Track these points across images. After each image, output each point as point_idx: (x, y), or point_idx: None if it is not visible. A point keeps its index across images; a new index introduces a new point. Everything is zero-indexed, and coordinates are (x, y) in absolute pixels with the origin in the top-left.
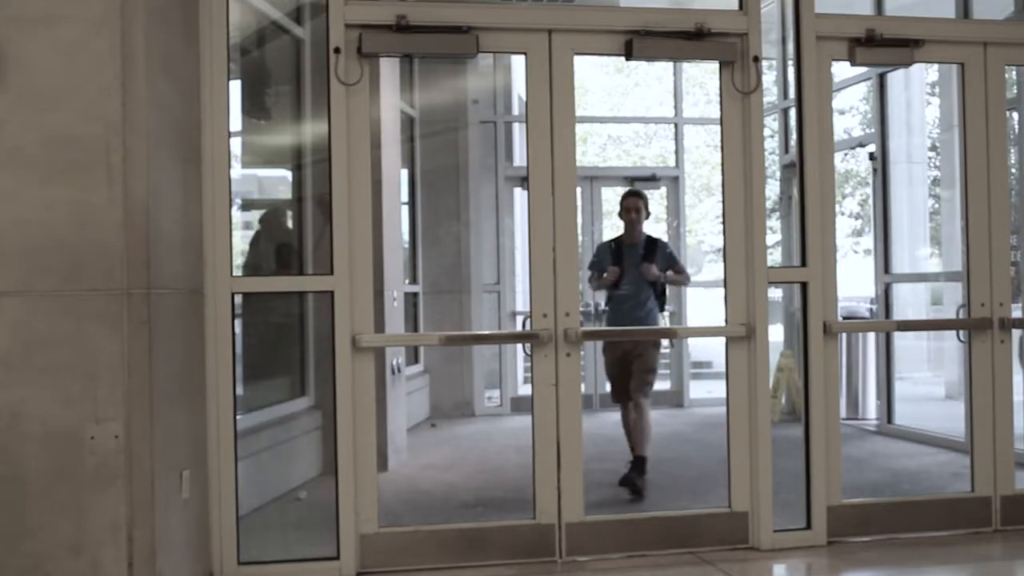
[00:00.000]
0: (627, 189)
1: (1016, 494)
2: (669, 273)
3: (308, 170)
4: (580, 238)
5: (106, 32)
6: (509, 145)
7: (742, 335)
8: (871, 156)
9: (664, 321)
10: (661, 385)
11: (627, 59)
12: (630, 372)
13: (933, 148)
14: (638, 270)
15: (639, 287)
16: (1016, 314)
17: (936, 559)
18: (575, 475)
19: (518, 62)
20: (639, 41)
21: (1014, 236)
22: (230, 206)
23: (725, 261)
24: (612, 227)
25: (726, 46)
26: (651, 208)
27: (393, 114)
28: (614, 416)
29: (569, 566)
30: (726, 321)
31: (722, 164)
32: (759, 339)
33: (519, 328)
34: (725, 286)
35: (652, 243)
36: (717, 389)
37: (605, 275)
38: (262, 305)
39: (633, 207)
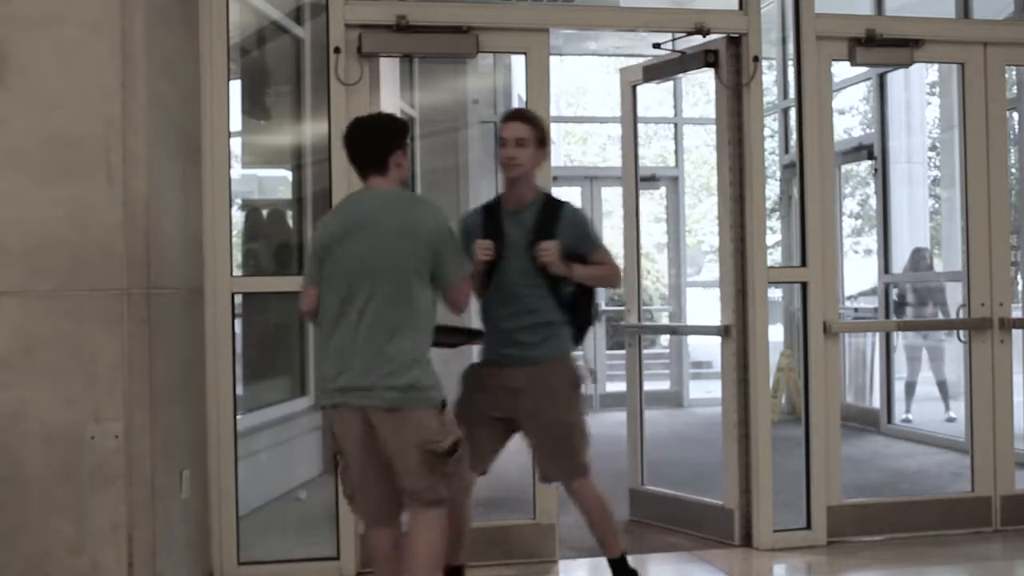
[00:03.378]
0: (508, 111)
1: (1016, 494)
2: (577, 267)
3: (308, 170)
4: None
5: (106, 32)
6: None
7: (730, 334)
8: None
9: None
10: (661, 385)
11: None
12: (523, 427)
13: (933, 148)
14: (525, 254)
15: (526, 285)
16: (1016, 314)
17: (936, 559)
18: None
19: (518, 62)
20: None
21: (1014, 236)
22: (230, 206)
23: (720, 260)
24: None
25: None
26: (547, 142)
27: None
28: (614, 416)
29: (567, 566)
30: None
31: (717, 163)
32: (758, 339)
33: None
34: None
35: (552, 208)
36: (716, 389)
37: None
38: (262, 305)
39: (512, 138)
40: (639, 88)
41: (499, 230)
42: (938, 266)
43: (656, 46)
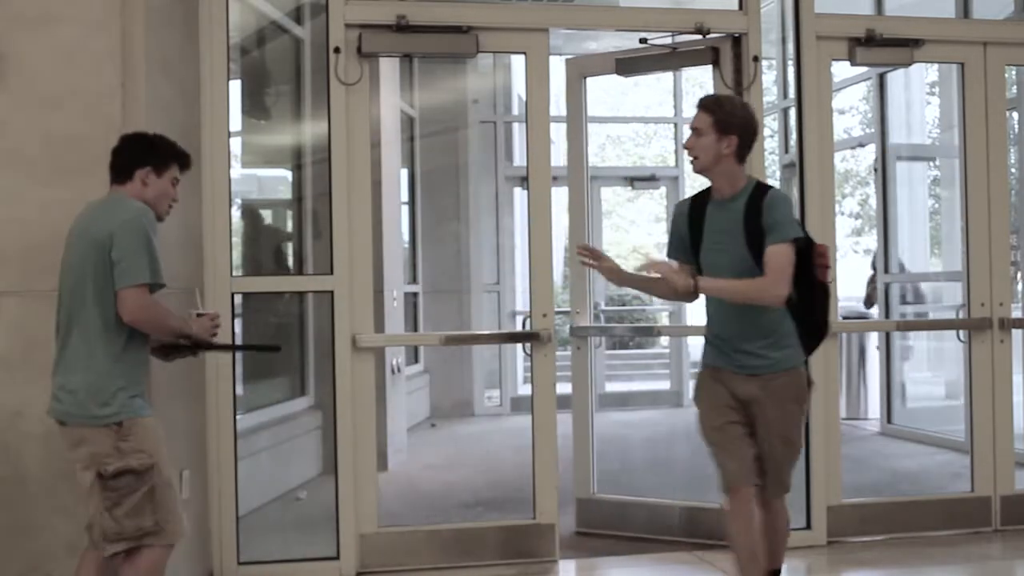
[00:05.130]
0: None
1: (1016, 494)
2: (705, 281)
3: (308, 170)
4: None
5: (106, 32)
6: (509, 145)
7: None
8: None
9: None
10: (661, 385)
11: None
12: (754, 436)
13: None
14: (736, 250)
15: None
16: (1016, 314)
17: (936, 559)
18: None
19: (518, 62)
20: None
21: (1014, 236)
22: (230, 206)
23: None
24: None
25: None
26: (732, 126)
27: (393, 114)
28: (613, 416)
29: (567, 566)
30: None
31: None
32: None
33: (519, 328)
34: None
35: (758, 194)
36: None
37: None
38: (262, 305)
39: (691, 128)
40: (634, 83)
41: (697, 226)
42: (938, 266)
43: (643, 41)
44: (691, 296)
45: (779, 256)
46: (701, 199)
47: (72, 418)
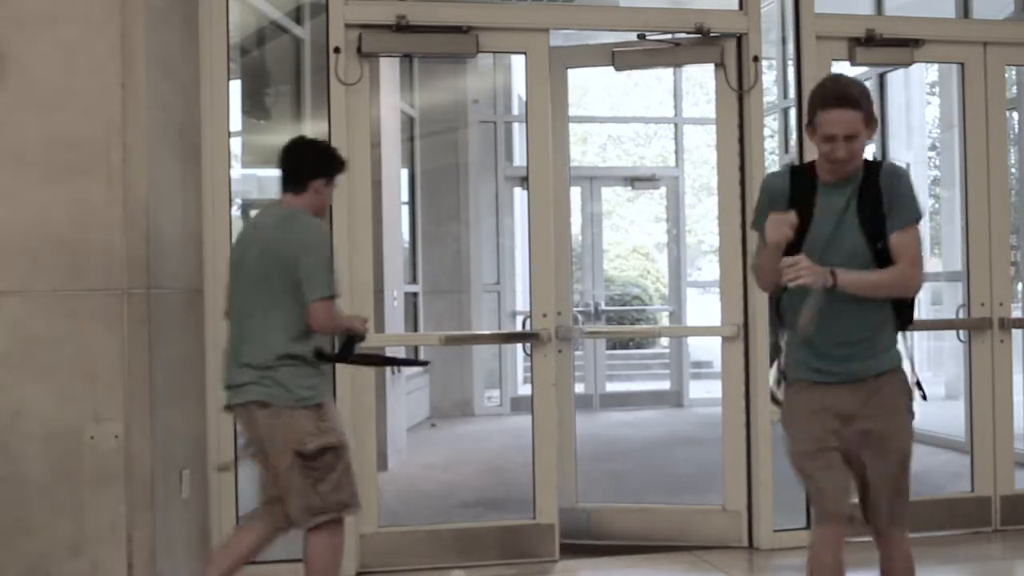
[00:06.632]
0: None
1: (1016, 494)
2: (845, 274)
3: None
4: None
5: (106, 32)
6: (509, 145)
7: (735, 335)
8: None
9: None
10: (661, 385)
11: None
12: (858, 462)
13: (933, 148)
14: (850, 238)
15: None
16: (1016, 314)
17: (936, 559)
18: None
19: (518, 62)
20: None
21: (1014, 236)
22: (230, 206)
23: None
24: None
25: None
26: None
27: (393, 114)
28: (614, 416)
29: (567, 566)
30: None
31: (717, 163)
32: (758, 338)
33: (519, 328)
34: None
35: (873, 171)
36: (716, 389)
37: (770, 236)
38: None
39: (841, 135)
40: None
41: (807, 204)
42: (937, 266)
43: (641, 37)
44: (830, 291)
45: (913, 241)
46: (803, 178)
47: (279, 400)
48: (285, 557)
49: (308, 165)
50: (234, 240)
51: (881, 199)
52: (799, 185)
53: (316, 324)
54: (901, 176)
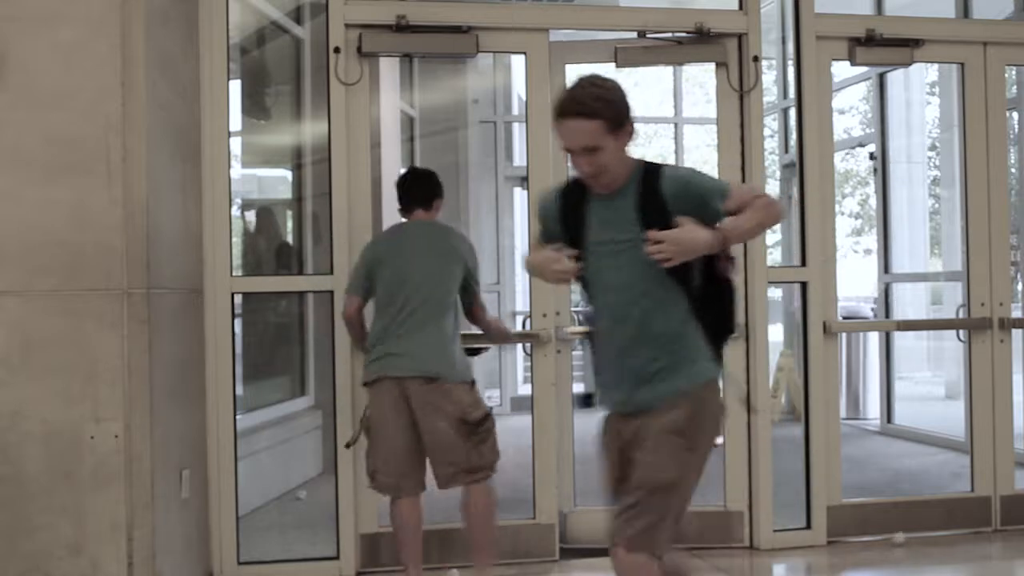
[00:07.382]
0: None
1: (1016, 494)
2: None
3: (308, 170)
4: None
5: (106, 32)
6: (509, 145)
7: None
8: (871, 156)
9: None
10: None
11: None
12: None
13: (933, 148)
14: (631, 248)
15: (639, 295)
16: (1016, 314)
17: (936, 559)
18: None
19: (518, 62)
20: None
21: (1014, 236)
22: (230, 206)
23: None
24: None
25: (719, 48)
26: (625, 119)
27: (393, 114)
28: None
29: (567, 566)
30: None
31: (718, 164)
32: (758, 339)
33: (519, 328)
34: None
35: (651, 175)
36: None
37: (547, 278)
38: (262, 304)
39: (579, 147)
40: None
41: (579, 221)
42: (937, 266)
43: (642, 35)
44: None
45: (739, 190)
46: (574, 193)
47: (452, 377)
48: (285, 557)
49: (434, 189)
50: (384, 250)
51: (666, 206)
52: (569, 201)
53: (480, 310)
54: (687, 179)
